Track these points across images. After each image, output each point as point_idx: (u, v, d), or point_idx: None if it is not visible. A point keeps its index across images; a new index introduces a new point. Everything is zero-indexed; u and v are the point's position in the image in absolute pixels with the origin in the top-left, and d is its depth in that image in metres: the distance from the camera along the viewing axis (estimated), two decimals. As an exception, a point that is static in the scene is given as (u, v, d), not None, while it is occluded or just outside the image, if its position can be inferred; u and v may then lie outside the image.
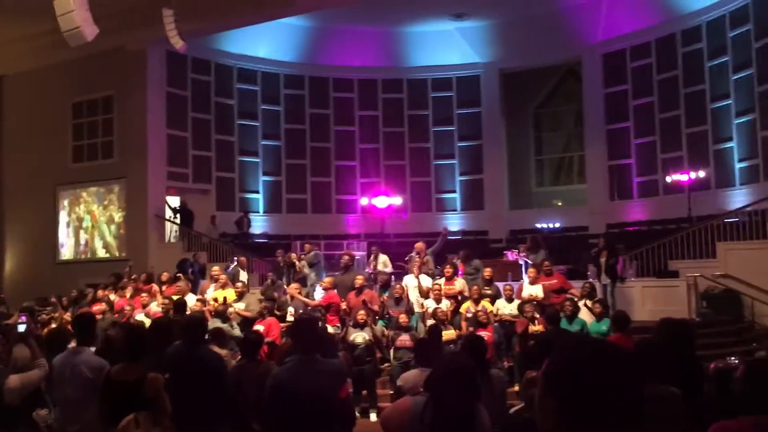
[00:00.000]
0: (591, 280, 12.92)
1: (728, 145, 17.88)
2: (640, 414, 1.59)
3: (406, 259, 12.82)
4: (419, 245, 12.91)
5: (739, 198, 16.86)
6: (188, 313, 8.95)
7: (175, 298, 10.36)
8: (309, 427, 3.76)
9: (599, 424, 1.55)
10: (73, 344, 5.32)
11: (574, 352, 1.65)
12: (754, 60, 16.97)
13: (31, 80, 19.24)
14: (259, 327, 8.72)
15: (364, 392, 9.35)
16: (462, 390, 3.17)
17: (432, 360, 5.36)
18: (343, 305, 10.55)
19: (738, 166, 17.63)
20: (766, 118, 16.66)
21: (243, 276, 12.89)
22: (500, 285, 11.47)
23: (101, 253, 18.38)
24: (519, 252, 13.70)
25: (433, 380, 3.32)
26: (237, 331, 9.23)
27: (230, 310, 9.69)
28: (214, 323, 8.52)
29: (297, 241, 17.34)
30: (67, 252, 18.92)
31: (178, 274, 12.71)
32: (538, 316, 9.75)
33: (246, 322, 9.78)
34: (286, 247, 15.83)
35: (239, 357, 6.71)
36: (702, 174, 17.90)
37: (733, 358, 6.17)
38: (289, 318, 10.06)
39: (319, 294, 11.48)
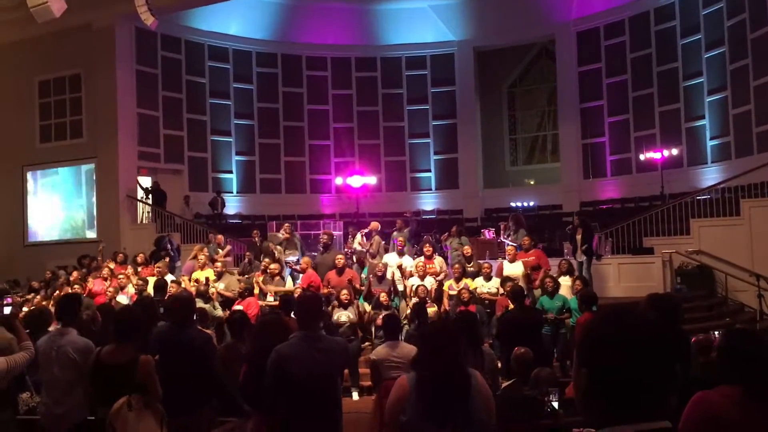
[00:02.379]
0: (567, 257, 13.02)
1: (700, 123, 18.08)
2: (672, 379, 1.58)
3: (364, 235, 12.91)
4: (374, 224, 12.95)
5: (711, 175, 17.11)
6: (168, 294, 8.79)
7: (151, 279, 10.19)
8: (312, 405, 3.69)
9: (629, 391, 1.54)
10: (54, 326, 5.18)
11: (604, 323, 1.63)
12: (726, 38, 17.13)
13: (-6, 57, 18.67)
14: (238, 307, 8.60)
15: (346, 371, 9.30)
16: (443, 352, 3.16)
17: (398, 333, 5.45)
18: (324, 290, 10.39)
19: (710, 143, 17.86)
20: (737, 95, 16.87)
21: (219, 254, 12.70)
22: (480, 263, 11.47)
23: (71, 234, 18.02)
24: (503, 233, 13.66)
25: (418, 351, 3.37)
26: (219, 312, 9.10)
27: (211, 290, 9.55)
28: (196, 303, 8.38)
29: (272, 222, 17.17)
30: (38, 233, 18.47)
31: (161, 252, 12.46)
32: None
33: (226, 303, 9.66)
34: (261, 228, 15.68)
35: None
36: (675, 152, 18.11)
37: (716, 332, 6.25)
38: (269, 298, 9.93)
39: (288, 276, 11.35)
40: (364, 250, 12.40)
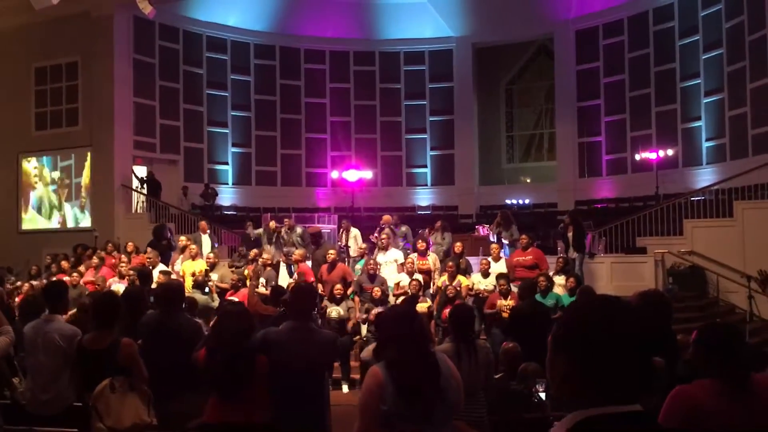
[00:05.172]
0: (561, 255, 13.05)
1: (696, 124, 18.11)
2: (649, 369, 1.58)
3: (375, 234, 12.75)
4: (386, 218, 12.89)
5: (705, 177, 17.14)
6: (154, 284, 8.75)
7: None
8: (297, 395, 3.68)
9: (607, 379, 1.54)
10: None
11: (583, 311, 1.63)
12: (725, 40, 17.15)
13: (-10, 43, 18.59)
14: (233, 299, 8.59)
15: (336, 364, 9.30)
16: (409, 335, 3.15)
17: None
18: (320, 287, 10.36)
19: (705, 145, 17.89)
20: (734, 97, 16.90)
21: (205, 240, 12.67)
22: (474, 260, 11.47)
23: (67, 223, 18.00)
24: (489, 229, 13.70)
25: (379, 338, 3.31)
26: (215, 304, 9.08)
27: (210, 282, 9.51)
28: (193, 294, 8.36)
29: (267, 214, 17.15)
30: (37, 221, 18.43)
31: (162, 242, 12.40)
32: (513, 290, 9.76)
33: (220, 294, 9.64)
34: (255, 220, 15.66)
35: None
36: (670, 152, 18.13)
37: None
38: (261, 289, 9.92)
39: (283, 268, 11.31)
40: (376, 243, 12.29)
